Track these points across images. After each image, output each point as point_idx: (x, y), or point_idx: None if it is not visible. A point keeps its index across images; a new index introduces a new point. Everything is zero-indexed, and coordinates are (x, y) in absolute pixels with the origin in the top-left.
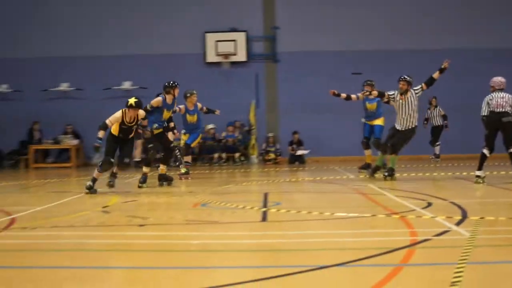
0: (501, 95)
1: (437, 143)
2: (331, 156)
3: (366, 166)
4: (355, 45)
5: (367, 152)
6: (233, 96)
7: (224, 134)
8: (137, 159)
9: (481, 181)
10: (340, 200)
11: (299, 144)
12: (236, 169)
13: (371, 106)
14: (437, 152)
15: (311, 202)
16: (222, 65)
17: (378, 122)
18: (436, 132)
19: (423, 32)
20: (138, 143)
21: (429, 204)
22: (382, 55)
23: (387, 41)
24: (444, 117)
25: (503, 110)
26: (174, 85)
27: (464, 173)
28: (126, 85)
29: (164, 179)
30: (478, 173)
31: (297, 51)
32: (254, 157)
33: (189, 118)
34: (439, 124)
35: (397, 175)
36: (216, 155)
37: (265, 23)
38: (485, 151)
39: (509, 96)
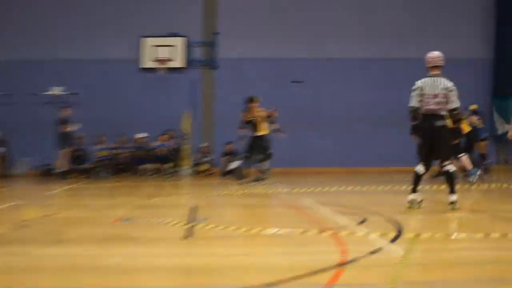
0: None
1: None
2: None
3: None
4: (296, 52)
5: None
6: (169, 104)
7: (157, 143)
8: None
9: (417, 206)
10: (272, 215)
11: (233, 154)
12: (166, 180)
13: None
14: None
15: (242, 217)
16: (157, 71)
17: None
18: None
19: (367, 39)
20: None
21: (364, 220)
22: (324, 62)
23: (329, 48)
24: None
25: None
26: None
27: (404, 187)
28: (56, 90)
29: None
30: (411, 197)
31: (237, 58)
32: (186, 168)
33: None
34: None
35: (333, 188)
36: (146, 166)
37: (205, 28)
38: (419, 168)
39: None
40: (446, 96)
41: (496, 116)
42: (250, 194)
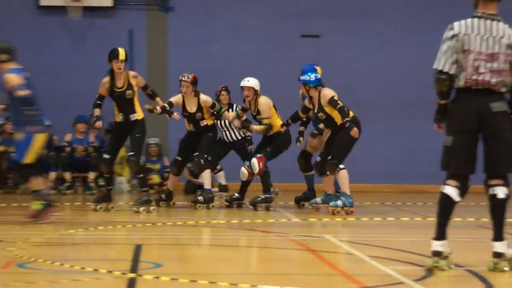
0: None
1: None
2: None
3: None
4: None
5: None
6: (88, 68)
7: (68, 137)
8: None
9: (445, 264)
10: (274, 261)
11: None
12: (90, 200)
13: None
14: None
15: (220, 263)
16: (68, 13)
17: None
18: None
19: None
20: None
21: (429, 273)
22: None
23: None
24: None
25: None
26: None
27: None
28: None
29: None
30: (437, 246)
31: None
32: (124, 181)
33: None
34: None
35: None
36: (52, 175)
37: None
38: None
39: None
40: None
41: None
42: (235, 226)
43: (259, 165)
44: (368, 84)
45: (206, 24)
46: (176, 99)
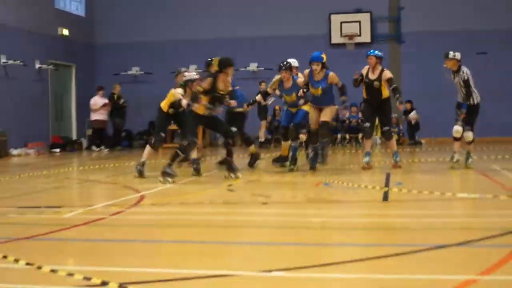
0: None
1: None
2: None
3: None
4: (480, 24)
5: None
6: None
7: (347, 114)
8: (261, 139)
9: None
10: (461, 181)
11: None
12: (359, 149)
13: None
14: None
15: (433, 183)
16: (346, 47)
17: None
18: None
19: None
20: (262, 123)
21: None
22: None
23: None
24: None
25: None
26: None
27: None
28: (253, 66)
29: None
30: None
31: (422, 31)
32: (377, 138)
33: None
34: None
35: None
36: (339, 136)
37: (390, 3)
38: None
39: None
40: None
41: None
42: (438, 163)
43: None
44: None
45: (423, 52)
46: None
